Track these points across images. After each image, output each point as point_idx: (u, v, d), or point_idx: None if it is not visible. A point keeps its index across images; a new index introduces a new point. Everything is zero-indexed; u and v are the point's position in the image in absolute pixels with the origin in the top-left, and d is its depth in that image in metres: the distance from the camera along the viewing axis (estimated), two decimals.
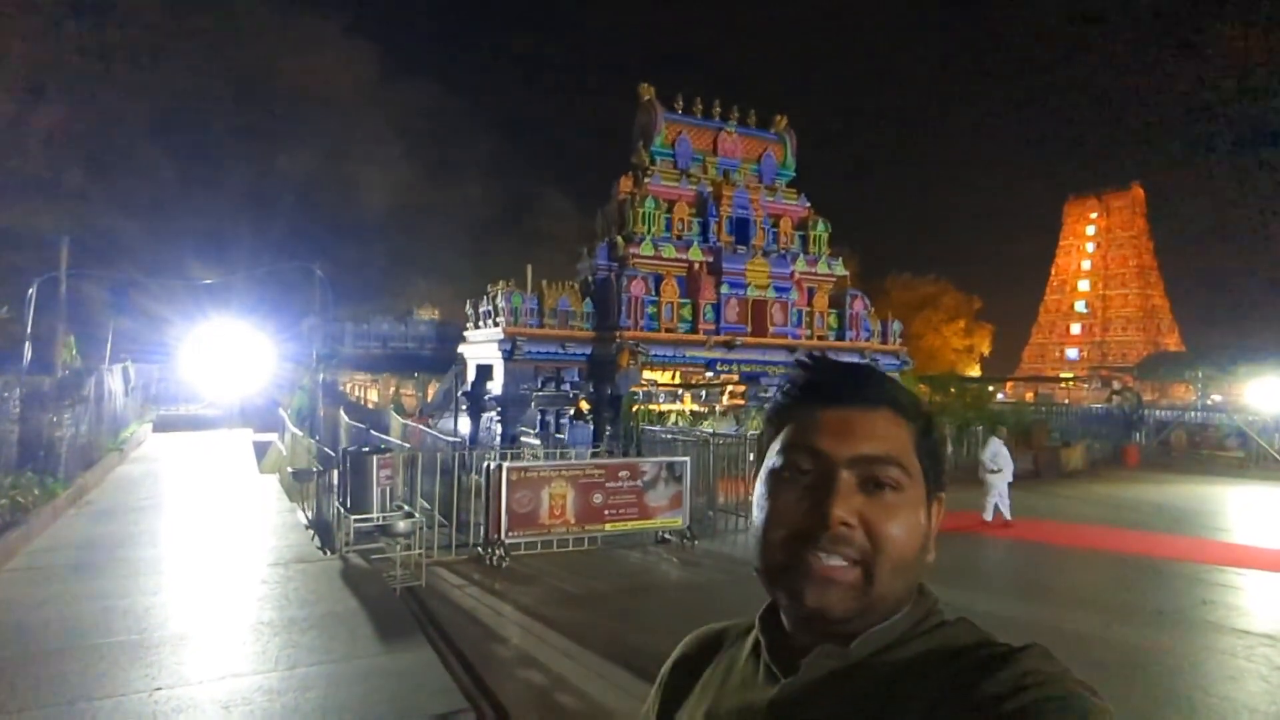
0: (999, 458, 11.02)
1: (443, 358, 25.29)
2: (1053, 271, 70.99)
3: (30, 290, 14.74)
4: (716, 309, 17.96)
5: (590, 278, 18.11)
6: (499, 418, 16.41)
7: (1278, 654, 5.96)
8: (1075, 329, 68.51)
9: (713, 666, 0.87)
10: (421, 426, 14.29)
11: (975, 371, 54.98)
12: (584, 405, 16.62)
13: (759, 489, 0.79)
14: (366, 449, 8.96)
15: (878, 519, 0.73)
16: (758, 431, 0.88)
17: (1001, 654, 0.69)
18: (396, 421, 15.59)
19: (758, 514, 0.78)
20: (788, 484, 0.76)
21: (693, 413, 19.39)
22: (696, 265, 17.99)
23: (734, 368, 18.34)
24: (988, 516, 10.76)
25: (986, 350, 59.74)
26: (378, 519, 8.09)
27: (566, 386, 17.69)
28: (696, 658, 0.90)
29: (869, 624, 0.74)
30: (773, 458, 0.79)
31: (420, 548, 7.82)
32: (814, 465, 0.75)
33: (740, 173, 19.56)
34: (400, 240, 76.65)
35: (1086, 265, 68.89)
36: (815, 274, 19.70)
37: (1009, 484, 11.00)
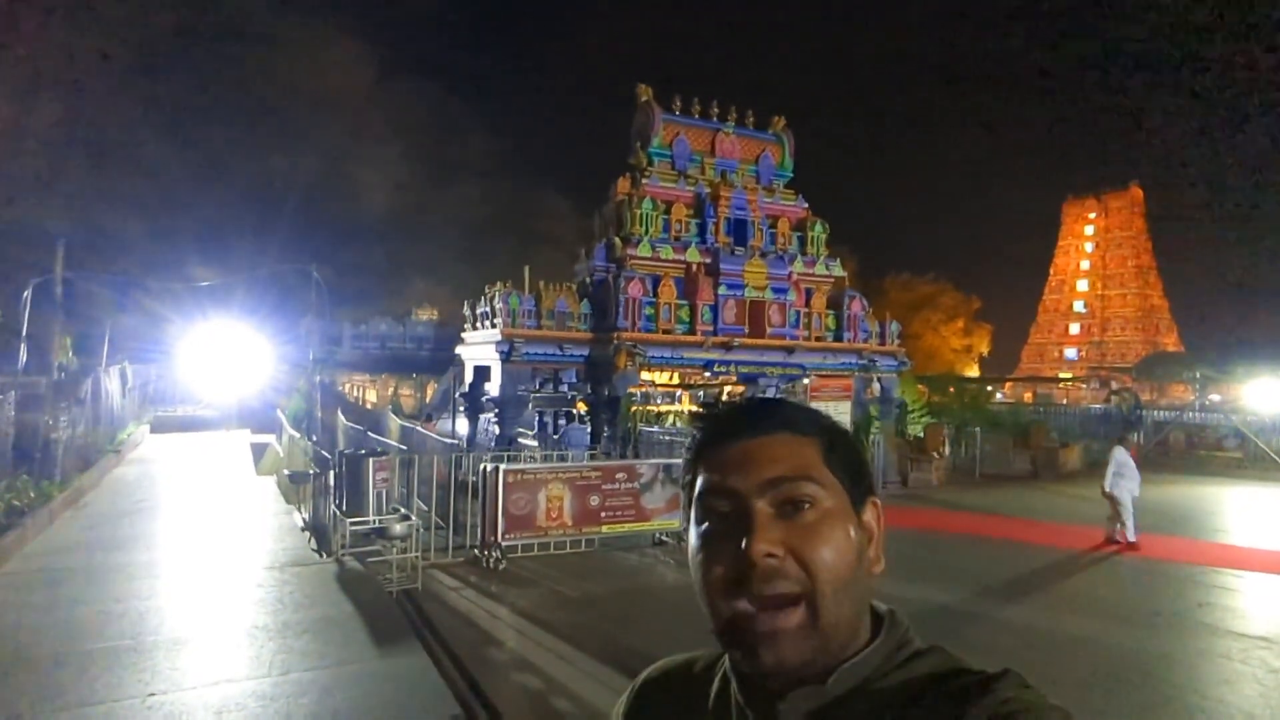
0: (1126, 469, 10.02)
1: (441, 359, 25.26)
2: (1051, 271, 71.06)
3: (26, 290, 14.71)
4: (714, 310, 17.93)
5: (588, 279, 18.08)
6: (496, 419, 16.39)
7: (1274, 657, 5.96)
8: (1074, 329, 68.58)
9: (679, 703, 0.84)
10: (427, 431, 14.11)
11: (974, 372, 55.06)
12: (582, 406, 16.62)
13: (690, 545, 0.78)
14: (363, 451, 8.94)
15: (803, 543, 0.72)
16: None
17: (978, 682, 0.68)
18: (395, 423, 15.58)
19: (693, 570, 0.77)
20: (711, 533, 0.76)
21: (690, 414, 19.31)
22: (694, 266, 17.97)
23: (732, 369, 18.31)
24: (1131, 536, 9.88)
25: (985, 350, 59.86)
26: (374, 522, 8.08)
27: (564, 388, 17.68)
28: (660, 691, 0.88)
29: (831, 656, 0.73)
30: (694, 513, 0.79)
31: (416, 550, 7.82)
32: (729, 505, 0.75)
33: (738, 174, 19.54)
34: (398, 241, 76.67)
35: (1085, 265, 68.95)
36: (813, 275, 19.68)
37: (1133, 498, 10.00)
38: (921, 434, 18.35)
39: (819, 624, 0.71)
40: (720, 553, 0.74)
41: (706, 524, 0.76)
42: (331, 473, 8.92)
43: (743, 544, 0.72)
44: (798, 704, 0.72)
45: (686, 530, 0.81)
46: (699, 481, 0.79)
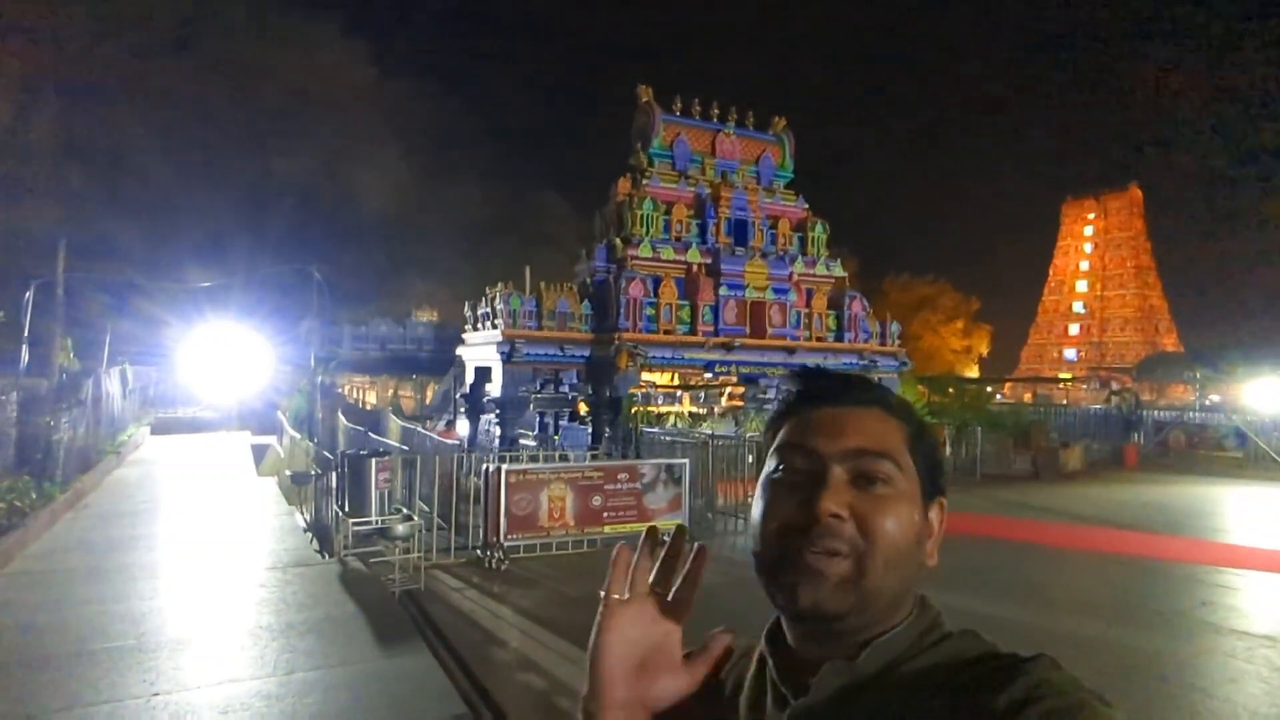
0: None
1: (441, 360, 25.26)
2: (1050, 272, 71.09)
3: (27, 292, 14.71)
4: (715, 310, 17.95)
5: (589, 280, 18.10)
6: (498, 420, 16.39)
7: (1278, 655, 5.95)
8: (1073, 329, 68.59)
9: (717, 686, 0.85)
10: (443, 438, 13.79)
11: (973, 372, 55.07)
12: (583, 407, 16.61)
13: (757, 490, 0.81)
14: (365, 452, 8.94)
15: (869, 512, 0.74)
16: (756, 433, 0.88)
17: (1010, 665, 0.68)
18: (395, 424, 15.57)
19: (754, 512, 0.79)
20: (782, 483, 0.78)
21: (691, 414, 19.36)
22: (695, 267, 17.99)
23: (732, 369, 18.32)
24: None
25: (985, 351, 59.96)
26: (376, 522, 8.08)
27: (565, 388, 17.68)
28: None
29: (866, 622, 0.74)
30: (770, 460, 0.81)
31: (419, 551, 7.81)
32: (807, 463, 0.77)
33: (738, 174, 19.56)
34: (399, 242, 76.65)
35: (1084, 266, 68.98)
36: (813, 275, 19.70)
37: None
38: None
39: (863, 582, 0.73)
40: (786, 503, 0.76)
41: (780, 475, 0.78)
42: (333, 473, 8.92)
43: (812, 499, 0.74)
44: (829, 679, 0.73)
45: (757, 474, 0.83)
46: (782, 434, 0.81)
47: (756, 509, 0.79)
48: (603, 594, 0.77)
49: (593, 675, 0.75)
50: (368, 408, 29.83)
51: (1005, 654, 0.71)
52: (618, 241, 17.57)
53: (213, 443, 20.44)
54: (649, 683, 0.75)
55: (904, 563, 0.75)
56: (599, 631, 0.76)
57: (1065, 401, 43.82)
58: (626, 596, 0.76)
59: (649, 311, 17.19)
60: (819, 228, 19.98)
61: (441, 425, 18.25)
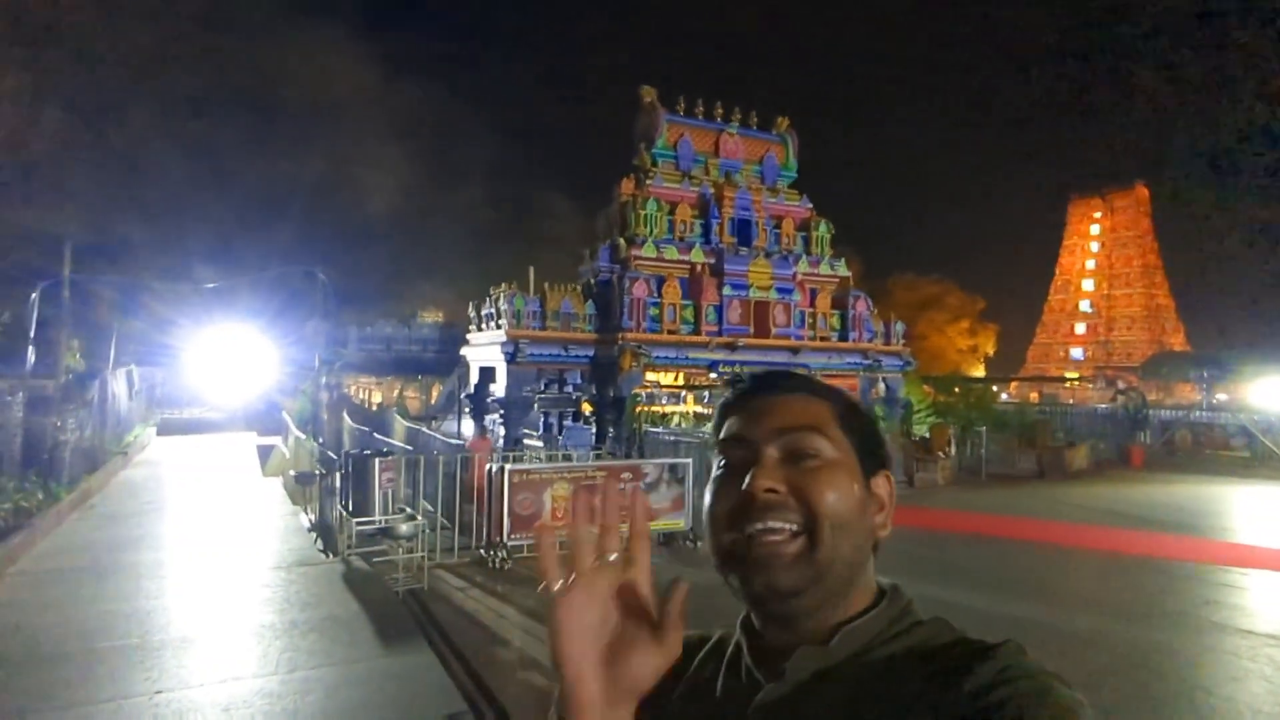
0: None
1: (446, 360, 25.32)
2: (1057, 271, 70.87)
3: (34, 293, 14.78)
4: (719, 310, 17.94)
5: (592, 280, 18.10)
6: (502, 420, 16.42)
7: None
8: (1080, 329, 68.36)
9: (693, 672, 0.87)
10: (474, 447, 12.99)
11: (979, 372, 54.94)
12: (586, 407, 16.63)
13: (707, 488, 0.83)
14: (369, 452, 8.97)
15: (806, 483, 0.76)
16: None
17: (977, 650, 0.70)
18: (400, 424, 15.61)
19: (704, 511, 0.82)
20: (724, 474, 0.81)
21: (695, 414, 19.35)
22: (699, 267, 17.98)
23: (736, 369, 18.33)
24: None
25: (991, 350, 59.81)
26: (380, 522, 8.10)
27: (569, 389, 17.69)
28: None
29: (825, 596, 0.75)
30: (715, 460, 0.84)
31: (422, 550, 7.83)
32: (742, 451, 0.80)
33: (742, 174, 19.55)
34: (404, 244, 76.99)
35: (1091, 265, 68.75)
36: (817, 275, 19.67)
37: None
38: (927, 434, 18.30)
39: (815, 555, 0.74)
40: (727, 490, 0.79)
41: (722, 469, 0.82)
42: (338, 473, 8.95)
43: (748, 480, 0.77)
44: (803, 663, 0.75)
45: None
46: (720, 433, 0.84)
47: (705, 505, 0.82)
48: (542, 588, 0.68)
49: (560, 678, 0.67)
50: (374, 408, 29.91)
51: (974, 640, 0.73)
52: (621, 242, 17.57)
53: (219, 444, 20.51)
54: (625, 666, 0.66)
55: (852, 530, 0.77)
56: (551, 627, 0.67)
57: (1071, 401, 43.67)
58: (571, 579, 0.67)
59: (652, 311, 17.18)
60: (823, 227, 19.95)
61: (475, 432, 17.60)
